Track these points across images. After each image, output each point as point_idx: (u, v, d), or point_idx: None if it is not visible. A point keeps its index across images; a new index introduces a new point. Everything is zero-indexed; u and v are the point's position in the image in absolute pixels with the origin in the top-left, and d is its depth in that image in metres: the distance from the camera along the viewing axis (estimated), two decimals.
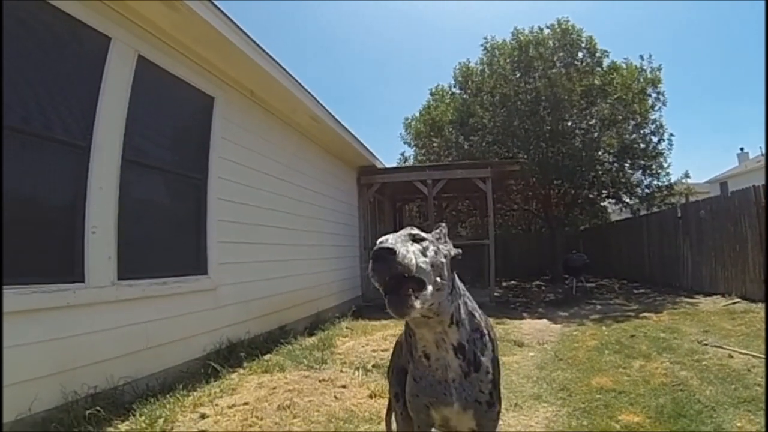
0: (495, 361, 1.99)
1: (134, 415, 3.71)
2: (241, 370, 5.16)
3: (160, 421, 3.63)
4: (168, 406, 3.95)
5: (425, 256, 1.70)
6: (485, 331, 1.99)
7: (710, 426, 3.64)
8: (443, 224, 2.01)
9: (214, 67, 5.80)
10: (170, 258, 5.08)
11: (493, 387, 1.95)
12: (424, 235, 1.80)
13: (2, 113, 3.27)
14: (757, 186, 8.50)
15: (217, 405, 4.12)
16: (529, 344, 7.01)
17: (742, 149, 37.00)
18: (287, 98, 7.16)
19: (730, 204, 9.42)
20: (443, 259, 1.80)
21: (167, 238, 5.11)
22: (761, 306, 7.73)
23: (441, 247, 1.85)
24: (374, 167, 12.26)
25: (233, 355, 5.48)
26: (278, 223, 7.32)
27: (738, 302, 8.52)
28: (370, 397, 4.52)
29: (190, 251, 5.40)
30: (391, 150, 74.43)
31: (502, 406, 3.79)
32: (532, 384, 5.01)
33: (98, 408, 3.57)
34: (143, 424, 3.57)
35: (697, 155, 62.63)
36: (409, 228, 1.83)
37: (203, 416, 3.87)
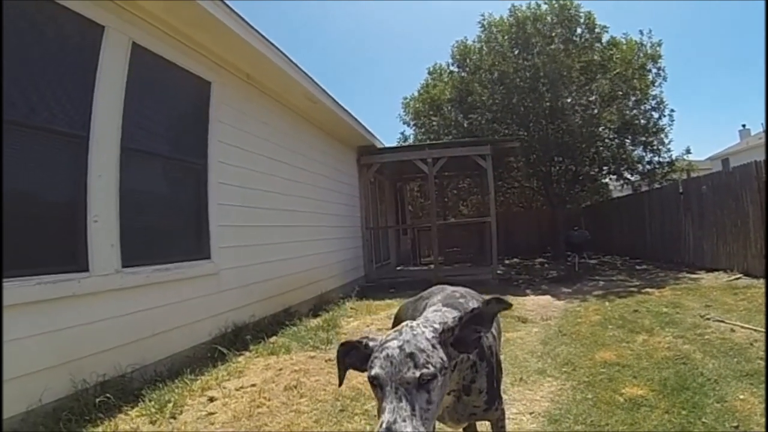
0: (490, 376, 1.88)
1: (143, 401, 3.75)
2: (248, 353, 5.21)
3: (170, 405, 3.67)
4: (176, 390, 4.00)
5: (430, 403, 1.43)
6: (477, 360, 1.82)
7: (713, 398, 3.69)
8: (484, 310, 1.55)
9: (210, 52, 5.74)
10: (173, 243, 5.09)
11: (489, 399, 1.89)
12: (431, 367, 1.42)
13: (2, 106, 3.25)
14: (759, 161, 8.43)
15: (224, 388, 4.17)
16: (532, 320, 7.07)
17: (744, 126, 36.60)
18: (283, 79, 7.11)
19: (732, 179, 9.36)
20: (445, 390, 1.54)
21: (169, 223, 5.11)
22: (763, 282, 7.75)
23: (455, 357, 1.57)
24: (373, 147, 12.22)
25: (239, 339, 5.52)
26: (279, 205, 7.33)
27: (740, 278, 8.53)
28: None
29: (192, 236, 5.41)
30: (390, 130, 74.09)
31: (509, 380, 3.83)
32: (537, 359, 5.07)
33: (108, 395, 3.61)
34: (153, 409, 3.61)
35: (698, 132, 62.19)
36: (412, 352, 1.44)
37: (211, 399, 3.92)
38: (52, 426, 3.21)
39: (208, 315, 5.33)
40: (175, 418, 3.56)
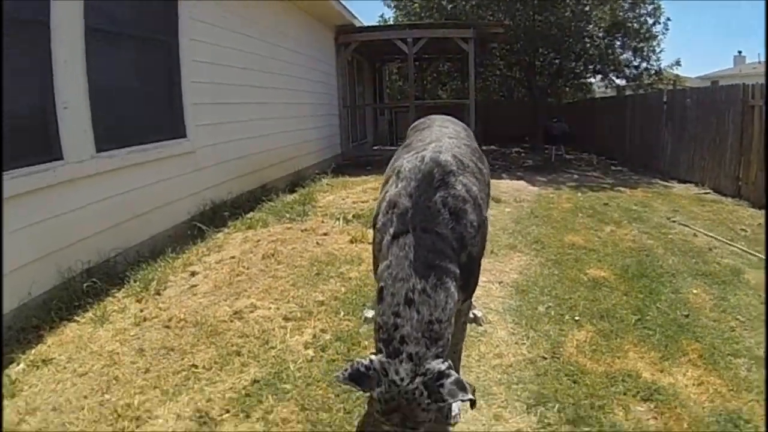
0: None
1: (129, 282, 3.85)
2: (226, 229, 5.30)
3: (153, 283, 3.80)
4: (159, 269, 4.10)
5: None
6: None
7: (668, 288, 3.97)
8: None
9: None
10: (147, 124, 4.94)
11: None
12: None
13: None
14: (747, 84, 8.29)
15: (205, 262, 4.31)
16: (506, 201, 7.31)
17: (739, 52, 36.10)
18: None
19: (717, 97, 9.26)
20: None
21: (142, 104, 4.93)
22: (731, 200, 7.98)
23: None
24: (352, 26, 11.77)
25: (217, 216, 5.59)
26: (255, 82, 7.13)
27: (709, 193, 8.73)
28: (351, 242, 4.80)
29: (166, 116, 5.26)
30: (370, 12, 70.05)
31: None
32: (508, 235, 5.33)
33: (94, 280, 3.68)
34: (138, 288, 3.73)
35: (692, 50, 60.12)
36: None
37: (193, 274, 4.06)
38: (44, 316, 3.28)
39: (186, 194, 5.34)
40: (159, 294, 3.70)
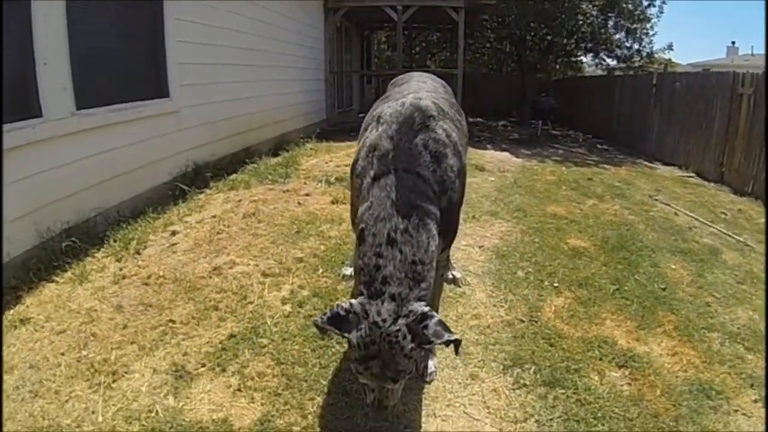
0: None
1: (108, 242, 3.80)
2: (208, 190, 5.25)
3: (134, 243, 3.75)
4: (140, 229, 4.06)
5: None
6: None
7: (647, 262, 4.04)
8: None
9: None
10: (130, 83, 4.81)
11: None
12: None
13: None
14: (738, 72, 8.35)
15: (186, 222, 4.27)
16: (490, 170, 7.32)
17: (733, 43, 36.15)
18: None
19: (707, 83, 9.31)
20: None
21: (125, 62, 4.78)
22: (713, 184, 8.06)
23: None
24: None
25: (199, 177, 5.52)
26: (240, 43, 6.97)
27: (692, 176, 8.80)
28: (332, 203, 4.80)
29: (149, 75, 5.13)
30: None
31: (461, 217, 4.16)
32: (490, 203, 5.36)
33: (73, 240, 3.62)
34: (118, 248, 3.69)
35: (685, 37, 59.97)
36: None
37: (174, 233, 4.02)
38: (23, 277, 3.23)
39: (168, 154, 5.24)
40: (139, 253, 3.67)
